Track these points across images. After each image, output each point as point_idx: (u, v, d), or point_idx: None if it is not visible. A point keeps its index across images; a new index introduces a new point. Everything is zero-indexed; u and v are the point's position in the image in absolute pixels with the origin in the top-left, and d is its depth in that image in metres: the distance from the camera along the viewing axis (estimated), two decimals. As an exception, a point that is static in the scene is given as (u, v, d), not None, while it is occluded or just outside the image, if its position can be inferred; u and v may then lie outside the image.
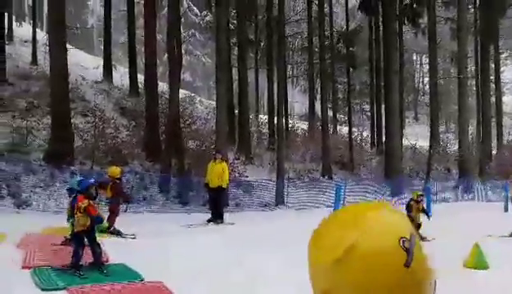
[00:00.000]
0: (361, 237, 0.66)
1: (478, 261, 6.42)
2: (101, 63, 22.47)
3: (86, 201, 5.64)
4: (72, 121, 13.61)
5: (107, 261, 5.89)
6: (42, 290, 4.65)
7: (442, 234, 9.49)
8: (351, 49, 27.91)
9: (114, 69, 23.08)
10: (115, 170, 8.01)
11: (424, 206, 9.26)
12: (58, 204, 10.17)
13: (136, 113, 18.03)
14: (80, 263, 5.40)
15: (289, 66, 35.07)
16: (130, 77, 20.79)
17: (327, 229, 0.71)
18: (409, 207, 9.10)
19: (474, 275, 6.02)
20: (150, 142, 15.25)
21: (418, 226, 9.06)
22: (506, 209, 15.22)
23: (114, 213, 7.69)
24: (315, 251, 0.70)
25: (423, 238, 8.77)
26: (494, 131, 27.36)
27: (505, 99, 33.68)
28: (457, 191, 19.11)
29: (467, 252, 6.56)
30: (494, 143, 26.94)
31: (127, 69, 22.21)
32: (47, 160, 12.47)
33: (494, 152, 26.32)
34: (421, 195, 9.44)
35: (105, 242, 6.97)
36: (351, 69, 27.55)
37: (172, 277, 5.03)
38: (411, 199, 9.37)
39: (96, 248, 5.55)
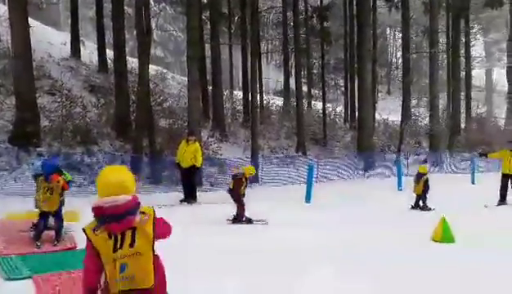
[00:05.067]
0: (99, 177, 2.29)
1: (444, 235, 6.60)
2: (69, 39, 21.58)
3: (61, 179, 6.01)
4: (38, 100, 13.09)
5: (75, 248, 5.77)
6: (6, 280, 4.51)
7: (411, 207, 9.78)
8: (325, 24, 27.72)
9: (82, 45, 22.25)
10: (252, 169, 8.69)
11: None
12: (24, 188, 9.85)
13: (105, 90, 17.52)
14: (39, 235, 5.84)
15: (264, 41, 34.67)
16: (99, 54, 20.12)
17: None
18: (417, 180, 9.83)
19: (440, 249, 6.19)
20: (120, 121, 14.89)
21: (418, 197, 9.74)
22: (473, 181, 15.75)
23: (241, 204, 8.14)
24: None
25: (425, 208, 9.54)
26: (463, 105, 28.01)
27: (473, 73, 34.36)
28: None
29: (435, 225, 6.73)
30: (463, 116, 27.61)
31: (96, 45, 21.44)
32: (12, 142, 12.01)
33: (463, 125, 27.02)
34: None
35: (75, 227, 6.82)
36: (325, 45, 27.43)
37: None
38: (419, 173, 9.99)
39: (60, 223, 6.01)
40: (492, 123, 29.28)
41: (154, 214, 2.32)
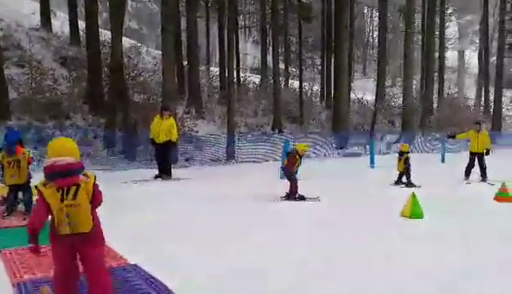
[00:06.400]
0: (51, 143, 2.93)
1: (413, 211, 6.77)
2: (38, 8, 20.69)
3: (25, 151, 6.05)
4: (5, 72, 12.61)
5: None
6: (-26, 254, 4.41)
7: (383, 184, 10.03)
8: (303, 0, 27.48)
9: (53, 15, 21.40)
10: (305, 147, 8.51)
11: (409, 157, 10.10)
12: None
13: (77, 63, 17.00)
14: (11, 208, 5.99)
15: (242, 16, 34.12)
16: (70, 25, 19.41)
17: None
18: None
19: (407, 224, 6.36)
20: (92, 95, 14.54)
21: (400, 174, 10.04)
22: (443, 160, 16.22)
23: (294, 182, 8.00)
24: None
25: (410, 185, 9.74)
26: (436, 86, 28.54)
27: (446, 54, 34.92)
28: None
29: (404, 202, 6.91)
30: (436, 97, 28.17)
31: (67, 16, 20.65)
32: (-22, 115, 11.60)
33: (435, 105, 27.59)
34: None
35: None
36: (303, 22, 27.25)
37: (116, 235, 4.92)
38: (401, 151, 10.24)
39: (28, 195, 5.99)
40: (463, 104, 29.98)
41: (95, 178, 2.94)
